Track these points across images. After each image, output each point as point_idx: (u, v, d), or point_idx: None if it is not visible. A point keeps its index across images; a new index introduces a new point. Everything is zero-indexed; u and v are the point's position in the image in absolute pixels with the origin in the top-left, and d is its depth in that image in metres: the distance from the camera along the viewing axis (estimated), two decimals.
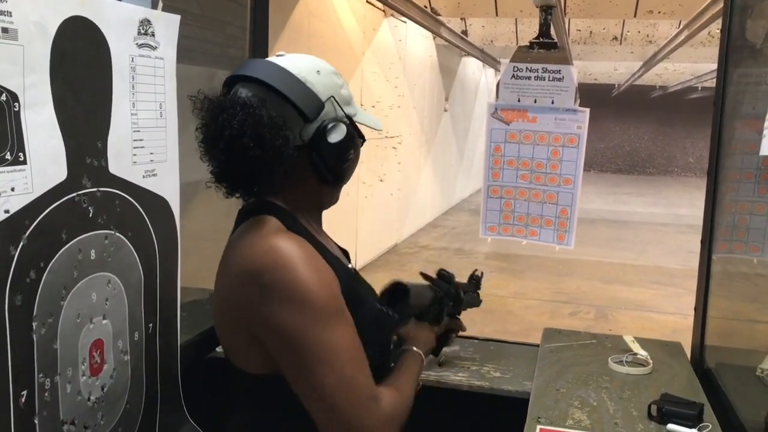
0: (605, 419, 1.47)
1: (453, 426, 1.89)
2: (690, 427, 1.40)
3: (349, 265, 1.32)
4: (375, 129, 1.27)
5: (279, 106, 1.13)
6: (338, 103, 1.18)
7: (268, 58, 1.21)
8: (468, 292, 1.71)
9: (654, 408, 1.47)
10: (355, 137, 1.21)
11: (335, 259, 1.22)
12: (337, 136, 1.16)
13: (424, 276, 1.46)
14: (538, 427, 1.41)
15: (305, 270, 1.08)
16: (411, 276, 1.46)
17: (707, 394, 1.61)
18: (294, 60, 1.19)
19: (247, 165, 1.11)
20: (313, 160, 1.16)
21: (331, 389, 1.07)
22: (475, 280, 1.77)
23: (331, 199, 1.28)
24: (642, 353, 1.78)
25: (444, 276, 1.53)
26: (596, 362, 1.80)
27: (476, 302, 1.76)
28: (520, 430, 1.40)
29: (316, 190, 1.23)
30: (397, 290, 1.22)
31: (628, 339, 1.86)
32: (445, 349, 1.79)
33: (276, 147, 1.10)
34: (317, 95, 1.15)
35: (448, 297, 1.51)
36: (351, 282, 1.21)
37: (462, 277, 1.69)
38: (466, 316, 1.71)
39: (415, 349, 1.32)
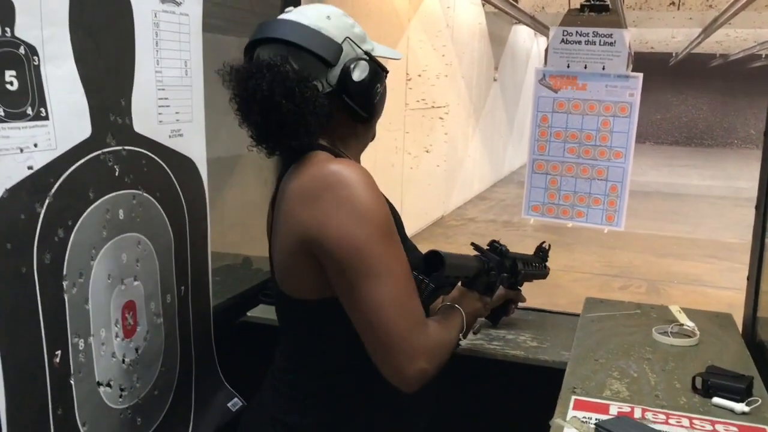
0: (645, 391, 1.40)
1: (486, 396, 1.85)
2: (738, 401, 1.32)
3: None
4: (394, 59, 1.30)
5: (300, 58, 1.15)
6: (354, 43, 1.20)
7: (279, 16, 1.22)
8: (532, 264, 1.71)
9: (699, 380, 1.39)
10: (378, 71, 1.23)
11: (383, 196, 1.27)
12: (360, 73, 1.19)
13: (475, 247, 1.41)
14: (573, 397, 1.35)
15: (366, 189, 1.11)
16: (456, 248, 1.42)
17: (759, 368, 1.52)
18: (303, 11, 1.20)
19: (283, 121, 1.13)
20: (344, 101, 1.19)
21: (383, 303, 1.08)
22: (542, 252, 1.79)
23: (367, 136, 1.31)
24: (688, 324, 1.70)
25: (495, 248, 1.47)
26: (639, 332, 1.72)
27: (542, 274, 1.78)
28: (556, 402, 1.34)
29: (352, 129, 1.26)
30: (432, 259, 1.18)
31: (674, 309, 1.78)
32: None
33: (306, 98, 1.13)
34: (333, 39, 1.17)
35: (499, 269, 1.46)
36: (398, 223, 1.23)
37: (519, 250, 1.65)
38: None
39: (457, 306, 1.29)
